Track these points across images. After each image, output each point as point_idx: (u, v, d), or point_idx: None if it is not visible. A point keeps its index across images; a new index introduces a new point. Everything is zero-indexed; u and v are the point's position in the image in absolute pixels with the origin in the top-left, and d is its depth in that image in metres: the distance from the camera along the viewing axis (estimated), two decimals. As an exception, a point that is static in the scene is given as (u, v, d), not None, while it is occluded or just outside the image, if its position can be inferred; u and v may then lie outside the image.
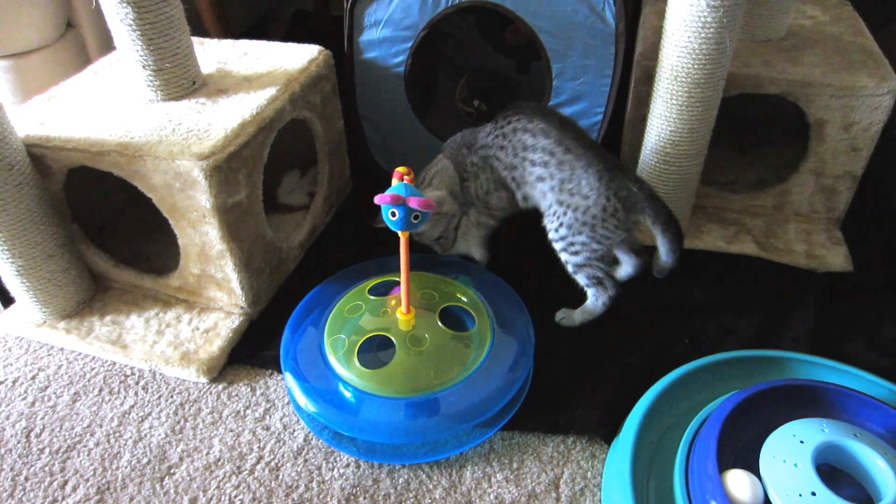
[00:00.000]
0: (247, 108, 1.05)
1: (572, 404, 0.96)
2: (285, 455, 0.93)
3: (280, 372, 1.03)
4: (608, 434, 0.92)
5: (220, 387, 1.03)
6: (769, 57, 1.16)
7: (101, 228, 1.27)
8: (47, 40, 1.45)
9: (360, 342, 0.95)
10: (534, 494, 0.87)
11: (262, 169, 1.08)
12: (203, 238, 1.03)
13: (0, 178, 0.96)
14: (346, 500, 0.87)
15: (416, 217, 0.87)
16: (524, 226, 1.26)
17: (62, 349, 1.11)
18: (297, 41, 1.27)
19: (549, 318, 1.09)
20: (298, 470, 0.91)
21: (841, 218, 1.26)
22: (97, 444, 0.95)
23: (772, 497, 0.72)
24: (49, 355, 1.10)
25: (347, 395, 0.91)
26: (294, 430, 0.96)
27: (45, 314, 1.12)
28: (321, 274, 1.12)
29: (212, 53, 1.24)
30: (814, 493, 0.70)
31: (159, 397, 1.02)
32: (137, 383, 1.04)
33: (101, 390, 1.03)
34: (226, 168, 0.97)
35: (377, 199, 0.85)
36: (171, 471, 0.91)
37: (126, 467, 0.92)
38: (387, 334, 0.95)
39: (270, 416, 0.98)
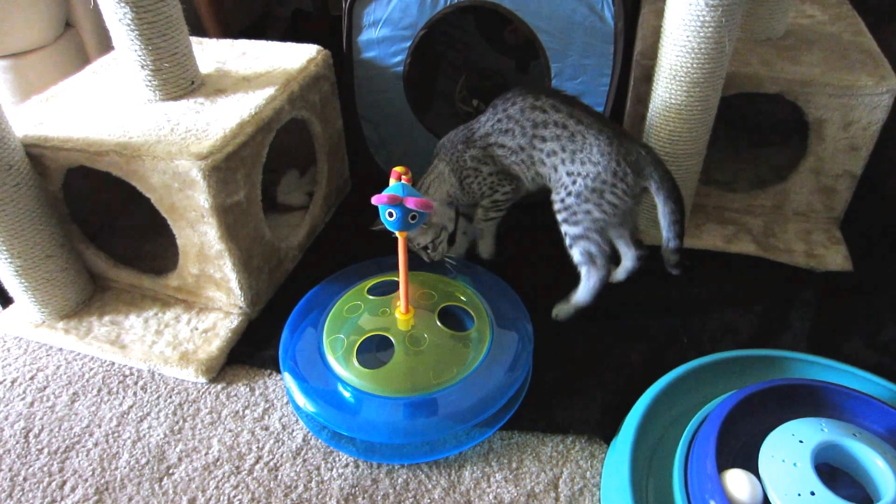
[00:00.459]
0: (245, 108, 1.05)
1: (571, 404, 0.96)
2: (284, 455, 0.93)
3: (279, 372, 1.03)
4: (607, 434, 0.92)
5: (219, 387, 1.03)
6: (768, 56, 1.16)
7: (100, 228, 1.27)
8: (46, 40, 1.45)
9: (359, 342, 0.95)
10: (533, 494, 0.87)
11: (261, 169, 1.08)
12: (202, 238, 1.03)
13: (-2, 178, 0.96)
14: (344, 500, 0.87)
15: (413, 217, 0.86)
16: (524, 226, 1.27)
17: (61, 349, 1.11)
18: (295, 41, 1.27)
19: (549, 317, 1.09)
20: (297, 470, 0.91)
21: (840, 217, 1.26)
22: (96, 445, 0.95)
23: (771, 496, 0.72)
24: (48, 355, 1.10)
25: (346, 394, 0.91)
26: (293, 431, 0.96)
27: (43, 314, 1.12)
28: (320, 274, 1.12)
29: (210, 53, 1.24)
30: (813, 493, 0.70)
31: (158, 397, 1.02)
32: (136, 383, 1.04)
33: (99, 390, 1.03)
34: (224, 168, 0.97)
35: (374, 200, 0.85)
36: (170, 471, 0.91)
37: (125, 467, 0.92)
38: (386, 334, 0.95)
39: (269, 417, 0.98)
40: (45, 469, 0.92)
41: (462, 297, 1.03)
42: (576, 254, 1.04)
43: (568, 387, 0.99)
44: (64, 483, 0.90)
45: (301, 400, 0.92)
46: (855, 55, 1.16)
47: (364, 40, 1.29)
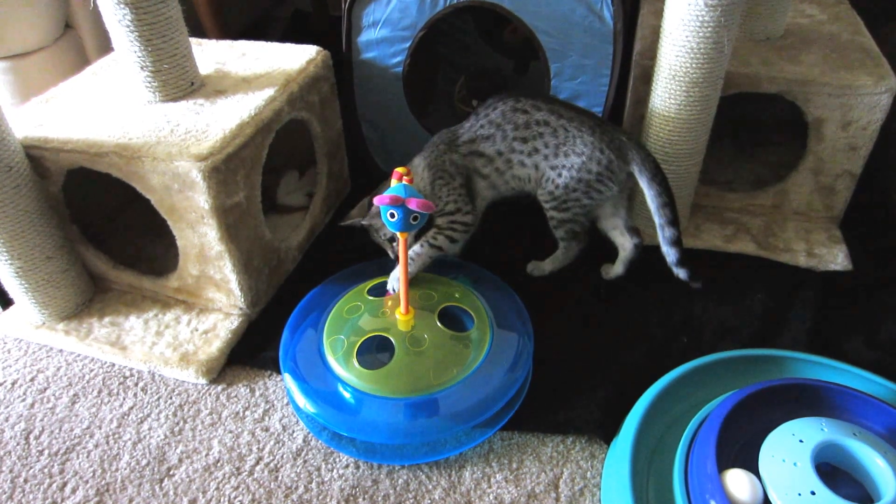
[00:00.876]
0: (245, 109, 1.05)
1: (571, 404, 0.96)
2: (284, 456, 0.93)
3: (279, 373, 1.03)
4: (607, 434, 0.92)
5: (220, 388, 1.03)
6: (767, 56, 1.16)
7: (100, 230, 1.27)
8: (46, 42, 1.45)
9: (360, 343, 0.95)
10: (533, 494, 0.87)
11: (261, 170, 1.08)
12: (202, 239, 1.03)
13: (-2, 179, 0.97)
14: (345, 501, 0.87)
15: (414, 218, 0.87)
16: (523, 226, 1.27)
17: (61, 351, 1.11)
18: (295, 42, 1.27)
19: (549, 318, 1.09)
20: (298, 471, 0.91)
21: (840, 216, 1.26)
22: (96, 446, 0.95)
23: (771, 496, 0.72)
24: (48, 357, 1.10)
25: (347, 395, 0.91)
26: (293, 431, 0.96)
27: (43, 316, 1.12)
28: (320, 275, 1.12)
29: (210, 54, 1.24)
30: (813, 493, 0.70)
31: (158, 399, 1.02)
32: (136, 385, 1.04)
33: (100, 392, 1.03)
34: (224, 169, 0.97)
35: (376, 201, 0.85)
36: (171, 472, 0.91)
37: (125, 469, 0.92)
38: (386, 335, 0.95)
39: (269, 418, 0.98)
40: (46, 470, 0.92)
41: (462, 298, 1.03)
42: (560, 233, 1.10)
43: (568, 387, 0.99)
44: (65, 484, 0.91)
45: (301, 401, 0.92)
46: (854, 55, 1.16)
47: (363, 41, 1.29)
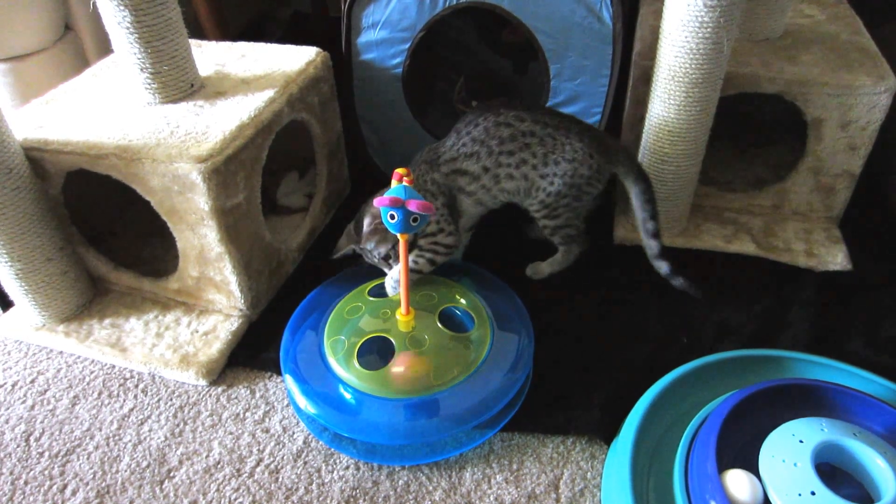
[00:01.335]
0: (245, 111, 1.05)
1: (572, 405, 0.96)
2: (285, 457, 0.93)
3: (279, 374, 1.03)
4: (608, 434, 0.92)
5: (220, 389, 1.03)
6: (767, 56, 1.16)
7: (100, 231, 1.27)
8: (45, 43, 1.45)
9: (360, 344, 0.95)
10: (533, 495, 0.87)
11: (261, 171, 1.08)
12: (202, 240, 1.03)
13: (-2, 181, 0.97)
14: (345, 502, 0.87)
15: (414, 220, 0.86)
16: (523, 227, 1.27)
17: (61, 352, 1.11)
18: (294, 43, 1.27)
19: (549, 318, 1.09)
20: (298, 472, 0.91)
21: (839, 216, 1.26)
22: (97, 448, 0.95)
23: (771, 497, 0.72)
24: (48, 359, 1.10)
25: (347, 396, 0.91)
26: (293, 433, 0.96)
27: (43, 317, 1.12)
28: (320, 276, 1.12)
29: (210, 56, 1.24)
30: (813, 493, 0.70)
31: (159, 400, 1.02)
32: (137, 386, 1.04)
33: (100, 393, 1.03)
34: (224, 171, 0.97)
35: (376, 202, 0.85)
36: (171, 474, 0.91)
37: (126, 471, 0.92)
38: (386, 336, 0.95)
39: (270, 419, 0.98)
40: (46, 472, 0.92)
41: (462, 299, 1.03)
42: (557, 239, 1.12)
43: (568, 388, 0.99)
44: (65, 486, 0.91)
45: (302, 402, 0.92)
46: (853, 55, 1.16)
47: (363, 42, 1.29)
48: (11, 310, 1.17)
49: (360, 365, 0.92)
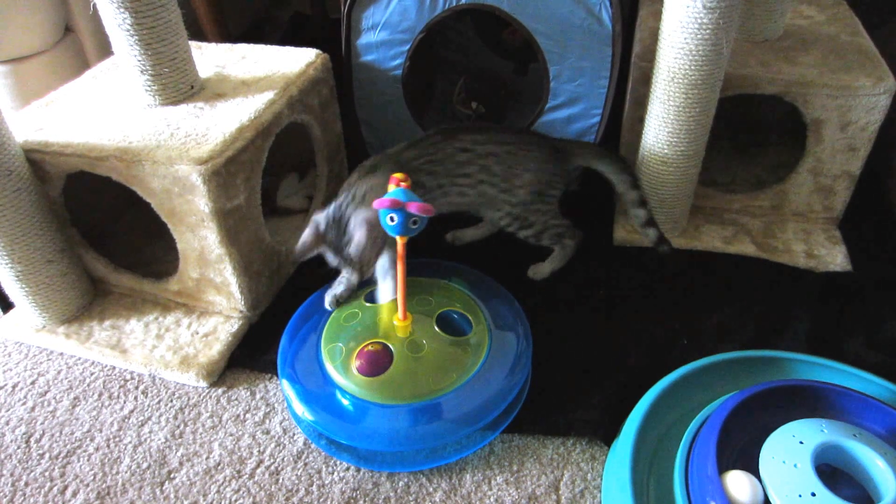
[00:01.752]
0: (245, 113, 1.05)
1: (572, 406, 0.96)
2: (285, 459, 0.93)
3: (279, 376, 1.03)
4: (608, 436, 0.92)
5: (220, 391, 1.03)
6: (766, 57, 1.17)
7: (100, 233, 1.27)
8: (45, 45, 1.45)
9: (358, 350, 0.95)
10: (534, 497, 0.87)
11: (261, 173, 1.08)
12: (202, 242, 1.03)
13: (-2, 183, 0.97)
14: (346, 504, 0.87)
15: (414, 222, 0.86)
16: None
17: (61, 354, 1.11)
18: (294, 45, 1.27)
19: (549, 319, 1.09)
20: (298, 474, 0.91)
21: (839, 217, 1.26)
22: (97, 449, 0.95)
23: (771, 498, 0.72)
24: (48, 360, 1.10)
25: (346, 403, 0.91)
26: (294, 434, 0.96)
27: (44, 319, 1.12)
28: (320, 277, 1.12)
29: (210, 57, 1.24)
30: (813, 494, 0.70)
31: (159, 402, 1.02)
32: (137, 388, 1.04)
33: (100, 395, 1.03)
34: (224, 172, 0.97)
35: (376, 204, 0.85)
36: (171, 475, 0.91)
37: (126, 472, 0.92)
38: (384, 341, 0.95)
39: (270, 420, 0.98)
40: (47, 474, 0.92)
41: (459, 302, 1.03)
42: (547, 242, 1.14)
43: (568, 389, 0.99)
44: (65, 488, 0.91)
45: (300, 409, 0.92)
46: (852, 56, 1.16)
47: (363, 44, 1.29)
48: (12, 311, 1.17)
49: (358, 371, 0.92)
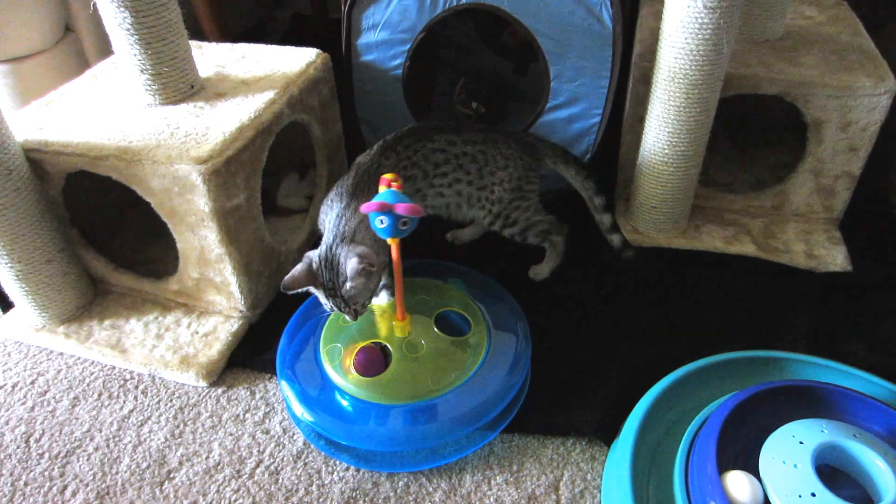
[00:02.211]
0: (245, 112, 1.05)
1: (571, 406, 0.96)
2: (285, 459, 0.93)
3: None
4: (608, 436, 0.92)
5: (220, 391, 1.03)
6: (767, 57, 1.17)
7: (100, 232, 1.27)
8: (46, 45, 1.46)
9: (356, 351, 0.94)
10: (534, 497, 0.87)
11: (261, 172, 1.08)
12: (202, 242, 1.03)
13: (-2, 183, 0.97)
14: (345, 504, 0.87)
15: (404, 224, 0.85)
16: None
17: (61, 354, 1.11)
18: (295, 44, 1.27)
19: (548, 319, 1.09)
20: (298, 474, 0.91)
21: (840, 218, 1.26)
22: (97, 449, 0.95)
23: (772, 498, 0.72)
24: (48, 360, 1.10)
25: (345, 403, 0.91)
26: (293, 434, 0.96)
27: (44, 319, 1.12)
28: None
29: (210, 57, 1.24)
30: (813, 494, 0.70)
31: (159, 401, 1.02)
32: (137, 387, 1.04)
33: (100, 395, 1.03)
34: (224, 172, 0.97)
35: (363, 208, 0.84)
36: (171, 475, 0.91)
37: (126, 472, 0.92)
38: (383, 342, 0.95)
39: (270, 420, 0.98)
40: (46, 474, 0.92)
41: (458, 302, 1.03)
42: (532, 240, 1.14)
43: (568, 389, 0.99)
44: (65, 488, 0.91)
45: (299, 409, 0.92)
46: (853, 56, 1.16)
47: (363, 43, 1.29)
48: (12, 311, 1.17)
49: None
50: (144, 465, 0.93)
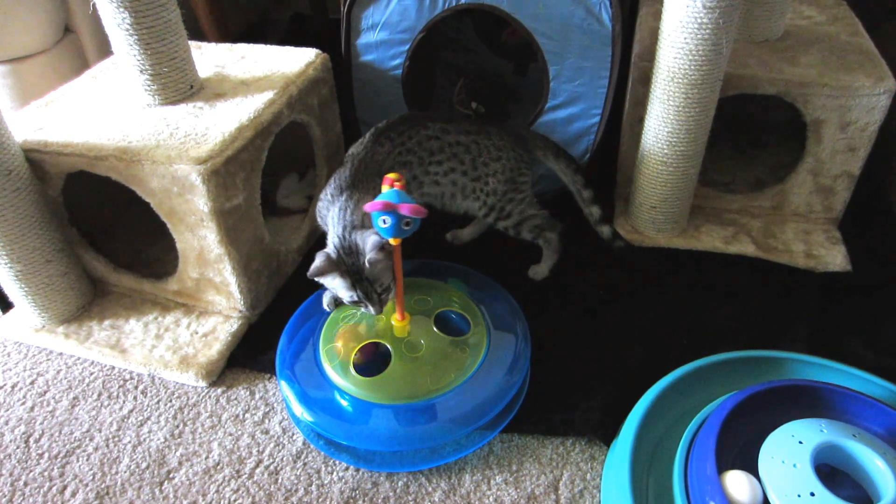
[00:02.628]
0: (244, 112, 1.05)
1: (571, 406, 0.96)
2: (284, 459, 0.93)
3: (279, 375, 1.03)
4: (607, 435, 0.92)
5: (219, 391, 1.03)
6: (766, 57, 1.17)
7: (100, 233, 1.27)
8: (45, 45, 1.45)
9: (356, 350, 0.94)
10: (533, 496, 0.87)
11: (260, 172, 1.08)
12: (201, 242, 1.03)
13: (-2, 183, 0.97)
14: (345, 504, 0.87)
15: (407, 224, 0.85)
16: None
17: (61, 354, 1.11)
18: (294, 44, 1.27)
19: (548, 319, 1.09)
20: (298, 474, 0.91)
21: (839, 217, 1.26)
22: (96, 449, 0.95)
23: (771, 498, 0.72)
24: (48, 360, 1.10)
25: (344, 403, 0.91)
26: (293, 434, 0.96)
27: (43, 319, 1.12)
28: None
29: (209, 57, 1.24)
30: (813, 494, 0.70)
31: (158, 401, 1.02)
32: (136, 388, 1.04)
33: (99, 395, 1.03)
34: (223, 172, 0.97)
35: (367, 207, 0.84)
36: (171, 475, 0.91)
37: (125, 472, 0.92)
38: (382, 341, 0.95)
39: (269, 420, 0.98)
40: (46, 474, 0.92)
41: (457, 302, 1.02)
42: (526, 235, 1.15)
43: (567, 389, 0.99)
44: (65, 488, 0.91)
45: (298, 409, 0.92)
46: (852, 56, 1.16)
47: (362, 43, 1.29)
48: (11, 311, 1.17)
49: (357, 371, 0.92)
50: (144, 465, 0.93)
